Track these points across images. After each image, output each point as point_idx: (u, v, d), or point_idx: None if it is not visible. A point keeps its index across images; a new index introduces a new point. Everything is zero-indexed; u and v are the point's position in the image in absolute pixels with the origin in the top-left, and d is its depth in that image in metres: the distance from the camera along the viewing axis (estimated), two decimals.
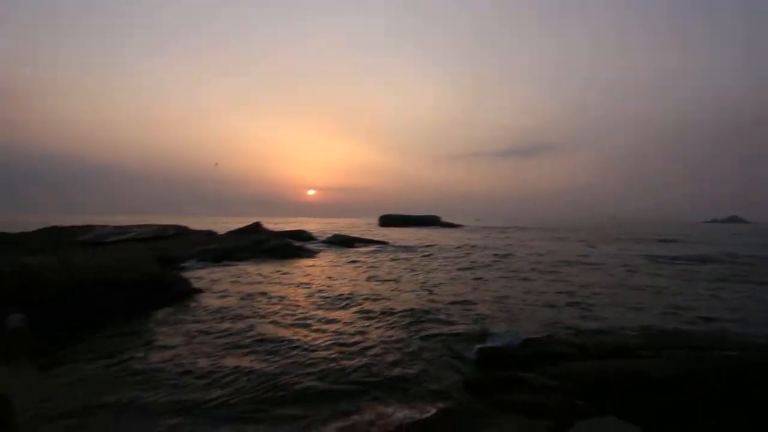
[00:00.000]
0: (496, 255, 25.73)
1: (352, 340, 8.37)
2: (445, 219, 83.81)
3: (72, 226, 27.59)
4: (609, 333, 8.08)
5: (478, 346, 7.58)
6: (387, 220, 78.43)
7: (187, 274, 15.64)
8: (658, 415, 4.58)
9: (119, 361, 7.34)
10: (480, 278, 16.40)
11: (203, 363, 7.14)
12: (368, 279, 16.45)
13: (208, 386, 6.16)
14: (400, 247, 31.04)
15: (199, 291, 13.23)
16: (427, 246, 32.60)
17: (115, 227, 26.63)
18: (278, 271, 18.79)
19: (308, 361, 7.20)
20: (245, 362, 7.15)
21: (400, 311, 10.77)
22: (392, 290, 13.97)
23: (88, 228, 26.85)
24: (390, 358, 7.36)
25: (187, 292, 12.73)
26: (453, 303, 11.76)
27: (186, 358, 7.37)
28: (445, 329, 9.03)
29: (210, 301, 12.15)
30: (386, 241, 34.61)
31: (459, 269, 19.32)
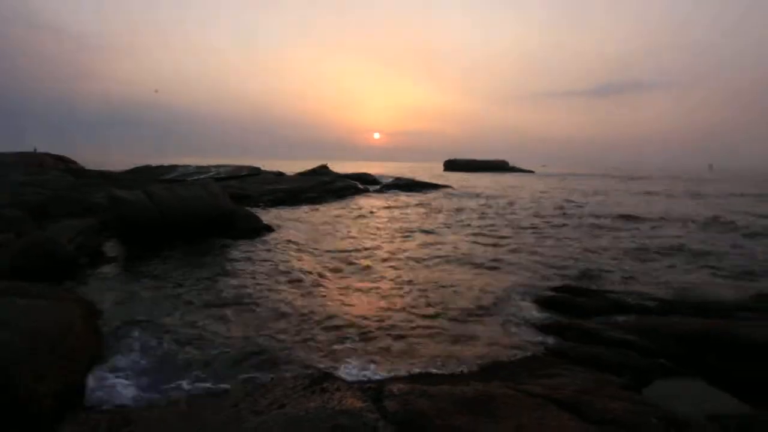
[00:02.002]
0: (567, 204, 24.16)
1: (410, 280, 8.38)
2: (514, 164, 80.00)
3: (159, 166, 30.07)
4: (700, 290, 7.29)
5: (548, 293, 7.23)
6: (452, 165, 76.42)
7: (257, 211, 16.53)
8: (758, 384, 4.06)
9: (194, 284, 8.08)
10: (550, 227, 15.53)
11: (268, 292, 7.61)
12: (430, 222, 16.30)
13: (268, 310, 6.55)
14: (464, 193, 30.23)
15: (269, 227, 13.90)
16: (494, 191, 31.47)
17: (196, 167, 28.58)
18: (343, 210, 19.25)
19: (379, 304, 7.35)
20: (299, 295, 7.48)
21: (460, 256, 10.58)
22: (453, 234, 13.73)
23: (173, 168, 29.11)
24: (451, 303, 7.29)
25: (258, 228, 13.45)
26: (516, 251, 11.29)
27: (252, 288, 7.85)
28: (511, 278, 8.71)
29: (278, 236, 12.79)
30: (450, 185, 33.87)
31: (528, 216, 18.45)
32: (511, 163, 79.78)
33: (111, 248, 10.73)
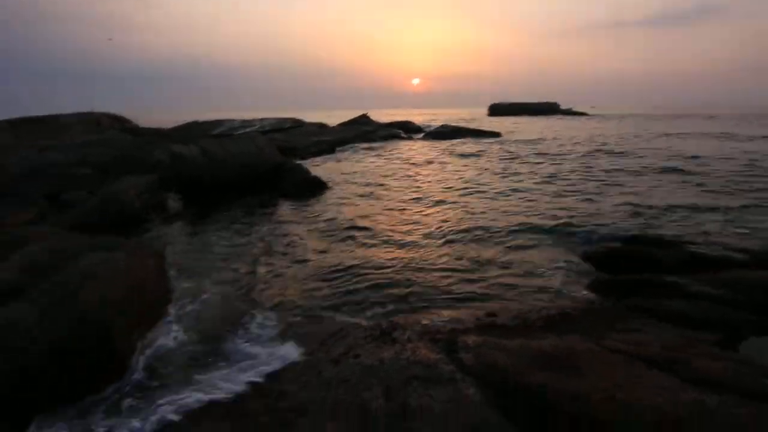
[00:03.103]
0: (628, 148, 22.49)
1: (465, 230, 8.22)
2: (565, 106, 75.02)
3: (205, 122, 30.75)
4: None
5: (619, 244, 6.86)
6: (498, 110, 72.78)
7: (303, 162, 16.67)
8: None
9: (250, 235, 8.42)
10: (613, 175, 14.58)
11: (318, 242, 7.75)
12: (480, 171, 15.78)
13: (324, 261, 6.67)
14: (511, 139, 28.81)
15: (317, 179, 13.99)
16: (544, 136, 29.80)
17: (241, 121, 28.97)
18: (388, 160, 19.02)
19: (438, 256, 7.31)
20: (354, 248, 7.54)
21: (518, 207, 10.21)
22: (505, 184, 13.23)
23: (219, 122, 29.68)
24: (515, 255, 7.11)
25: (306, 180, 13.58)
26: (577, 201, 10.74)
27: (306, 240, 8.02)
28: (577, 228, 8.32)
29: (327, 188, 12.93)
30: (497, 132, 32.34)
31: (586, 162, 17.40)
32: (562, 106, 74.82)
33: (172, 203, 11.27)
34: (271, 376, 3.63)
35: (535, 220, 8.87)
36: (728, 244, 6.51)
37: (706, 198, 10.34)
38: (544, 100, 75.50)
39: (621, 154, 19.62)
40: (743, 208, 9.30)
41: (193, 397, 3.38)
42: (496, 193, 11.91)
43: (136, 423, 3.17)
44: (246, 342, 4.39)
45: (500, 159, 19.08)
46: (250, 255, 7.33)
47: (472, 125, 36.73)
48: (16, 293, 4.02)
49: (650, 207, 9.46)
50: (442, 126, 34.22)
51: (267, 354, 4.07)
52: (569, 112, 71.32)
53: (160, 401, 3.37)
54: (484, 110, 77.31)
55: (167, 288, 5.61)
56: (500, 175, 14.76)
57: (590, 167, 15.80)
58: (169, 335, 4.52)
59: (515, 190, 12.11)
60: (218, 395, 3.39)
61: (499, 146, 24.43)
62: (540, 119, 58.66)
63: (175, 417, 3.15)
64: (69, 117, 27.37)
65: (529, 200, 10.81)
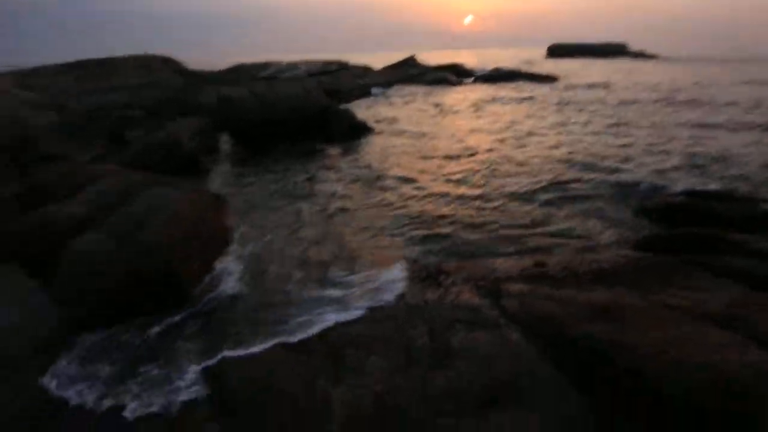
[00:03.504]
0: (700, 96, 20.31)
1: (514, 179, 7.97)
2: (634, 48, 68.01)
3: (253, 64, 30.78)
4: None
5: (677, 197, 6.43)
6: (557, 51, 67.21)
7: (348, 106, 16.52)
8: None
9: (295, 175, 8.68)
10: (681, 125, 13.35)
11: (363, 187, 7.82)
12: (536, 118, 14.96)
13: (369, 206, 6.75)
14: (570, 84, 26.63)
15: (363, 123, 13.85)
16: (607, 82, 27.38)
17: (288, 63, 28.80)
18: (434, 105, 18.41)
19: (481, 204, 7.20)
20: (398, 195, 7.53)
21: (573, 156, 9.70)
22: (552, 134, 12.50)
23: (266, 65, 29.64)
24: (567, 206, 6.88)
25: (353, 125, 13.50)
26: (639, 150, 10.02)
27: (350, 182, 8.12)
28: (633, 176, 7.85)
29: (373, 132, 12.85)
30: (554, 75, 29.99)
31: (653, 110, 15.99)
32: (631, 47, 67.80)
33: (222, 145, 11.67)
34: (321, 314, 3.83)
35: (587, 173, 8.43)
36: None
37: None
38: (611, 41, 68.80)
39: (693, 103, 17.81)
40: None
41: (248, 331, 3.66)
42: (547, 142, 11.33)
43: (190, 345, 3.50)
44: (301, 283, 4.56)
45: (554, 105, 17.88)
46: (299, 197, 7.57)
47: (529, 68, 34.32)
48: (88, 225, 4.42)
49: (719, 161, 8.69)
50: (495, 69, 32.31)
51: (319, 294, 4.26)
52: (639, 55, 64.73)
53: (217, 334, 3.68)
54: (543, 51, 71.70)
55: (225, 226, 5.93)
56: (553, 123, 13.94)
57: (655, 117, 14.53)
58: (229, 276, 4.80)
59: (568, 140, 11.46)
60: (278, 330, 3.63)
61: (554, 91, 22.81)
62: (605, 62, 53.79)
63: (232, 353, 3.41)
64: (123, 59, 28.28)
65: (583, 151, 10.21)
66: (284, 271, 4.85)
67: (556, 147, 10.73)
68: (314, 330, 3.46)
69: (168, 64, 29.04)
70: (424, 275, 4.24)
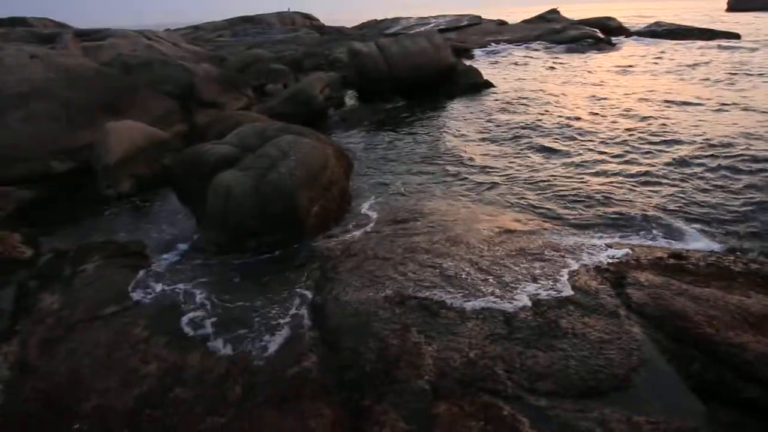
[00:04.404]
0: None
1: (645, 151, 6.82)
2: None
3: (384, 19, 30.91)
4: None
5: None
6: (742, 3, 54.21)
7: (476, 64, 15.67)
8: None
9: (419, 133, 8.54)
10: None
11: (488, 152, 7.45)
12: (697, 84, 12.45)
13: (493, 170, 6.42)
14: (758, 45, 20.90)
15: (487, 82, 13.08)
16: None
17: (417, 18, 28.24)
18: (577, 67, 16.44)
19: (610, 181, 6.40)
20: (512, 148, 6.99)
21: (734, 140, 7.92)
22: (720, 106, 10.21)
23: (396, 20, 29.52)
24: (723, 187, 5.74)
25: (478, 83, 12.85)
26: None
27: (472, 145, 7.78)
28: None
29: (495, 90, 12.11)
30: (735, 33, 24.04)
31: None
32: None
33: (350, 99, 12.11)
34: None
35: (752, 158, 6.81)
36: None
37: None
38: None
39: None
40: None
41: (357, 282, 3.85)
42: (710, 113, 9.39)
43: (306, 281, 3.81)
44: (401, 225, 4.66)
45: (728, 72, 14.41)
46: (421, 156, 7.58)
47: (703, 23, 28.17)
48: (232, 163, 5.02)
49: None
50: (656, 24, 27.41)
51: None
52: None
53: (329, 275, 3.94)
54: (722, 3, 58.46)
55: (343, 174, 6.25)
56: (723, 92, 11.44)
57: None
58: (352, 223, 5.11)
59: (742, 110, 9.34)
60: (385, 282, 3.77)
61: (733, 53, 18.26)
62: None
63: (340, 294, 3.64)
64: (270, 16, 30.74)
65: (758, 128, 8.23)
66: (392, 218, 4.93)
67: (720, 123, 8.86)
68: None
69: (308, 20, 30.77)
70: (537, 245, 3.96)
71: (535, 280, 3.41)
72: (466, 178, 6.48)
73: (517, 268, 3.62)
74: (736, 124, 8.45)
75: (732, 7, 54.52)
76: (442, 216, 4.94)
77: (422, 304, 3.13)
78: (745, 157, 6.62)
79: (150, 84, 9.19)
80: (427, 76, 11.94)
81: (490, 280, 3.45)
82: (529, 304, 3.09)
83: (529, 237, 4.27)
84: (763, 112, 9.18)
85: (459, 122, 9.66)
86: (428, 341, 2.78)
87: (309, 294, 3.55)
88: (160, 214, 5.74)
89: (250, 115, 8.51)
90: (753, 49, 18.60)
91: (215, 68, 11.69)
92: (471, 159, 7.27)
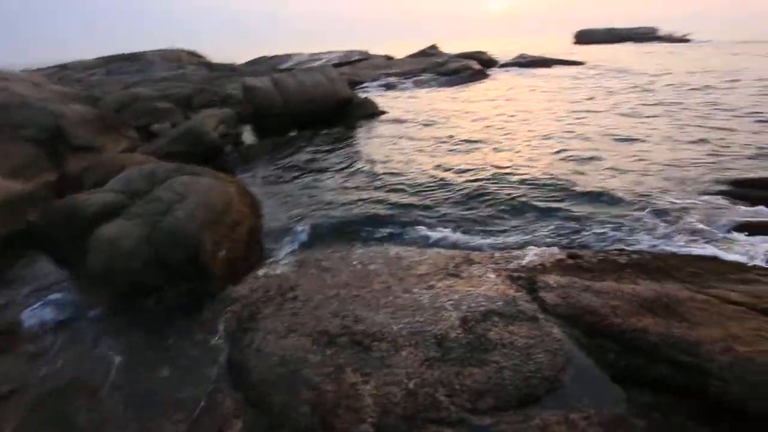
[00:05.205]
0: (735, 80, 19.12)
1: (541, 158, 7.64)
2: (665, 32, 65.06)
3: (275, 56, 30.85)
4: None
5: (734, 187, 6.02)
6: (585, 37, 65.04)
7: (371, 95, 16.30)
8: None
9: (319, 166, 8.48)
10: (722, 110, 12.59)
11: (384, 170, 7.66)
12: (563, 104, 14.41)
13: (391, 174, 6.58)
14: (604, 69, 25.57)
15: (384, 111, 13.64)
16: (639, 67, 26.22)
17: (309, 55, 28.70)
18: (462, 93, 17.98)
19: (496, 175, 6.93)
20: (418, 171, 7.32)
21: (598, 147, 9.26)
22: (591, 122, 11.97)
23: (288, 57, 29.65)
24: (603, 185, 6.55)
25: (376, 114, 13.32)
26: (687, 141, 9.47)
27: (370, 167, 7.95)
28: (674, 171, 7.40)
29: (394, 119, 12.65)
30: (583, 61, 28.99)
31: (689, 94, 15.15)
32: (661, 31, 64.94)
33: (247, 136, 11.66)
34: None
35: (609, 178, 8.01)
36: None
37: None
38: (641, 26, 66.08)
39: (709, 89, 16.80)
40: None
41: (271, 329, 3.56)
42: (565, 129, 10.86)
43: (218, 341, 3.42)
44: (321, 261, 4.49)
45: (582, 90, 17.17)
46: (326, 189, 7.46)
47: (557, 55, 33.15)
48: (118, 211, 4.41)
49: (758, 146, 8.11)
50: (520, 56, 31.43)
51: None
52: (670, 39, 61.94)
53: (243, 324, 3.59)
54: (569, 39, 69.38)
55: (248, 212, 5.88)
56: (579, 110, 13.37)
57: (674, 102, 13.78)
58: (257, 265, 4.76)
59: (594, 128, 10.96)
60: (301, 321, 3.53)
61: (582, 77, 21.95)
62: (635, 46, 51.67)
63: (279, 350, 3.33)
64: (151, 53, 28.82)
65: (605, 138, 9.72)
66: (313, 252, 4.73)
67: (575, 137, 10.27)
68: (335, 315, 3.34)
69: (194, 57, 29.43)
70: (452, 265, 4.05)
71: (458, 297, 3.46)
72: (375, 203, 6.52)
73: (440, 288, 3.65)
74: (620, 126, 9.82)
75: (577, 41, 65.22)
76: (360, 246, 4.86)
77: (353, 339, 2.96)
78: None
79: (5, 129, 7.88)
80: (324, 108, 12.05)
81: (417, 303, 3.41)
82: (457, 322, 3.09)
83: (446, 256, 4.37)
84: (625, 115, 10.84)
85: (359, 150, 9.81)
86: (365, 379, 2.61)
87: (225, 349, 3.17)
88: (25, 280, 4.80)
89: (135, 157, 7.71)
90: (603, 71, 22.87)
91: (88, 109, 10.48)
92: (376, 184, 7.37)
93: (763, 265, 3.85)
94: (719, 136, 9.08)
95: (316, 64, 25.19)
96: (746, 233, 4.79)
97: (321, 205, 6.63)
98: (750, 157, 7.52)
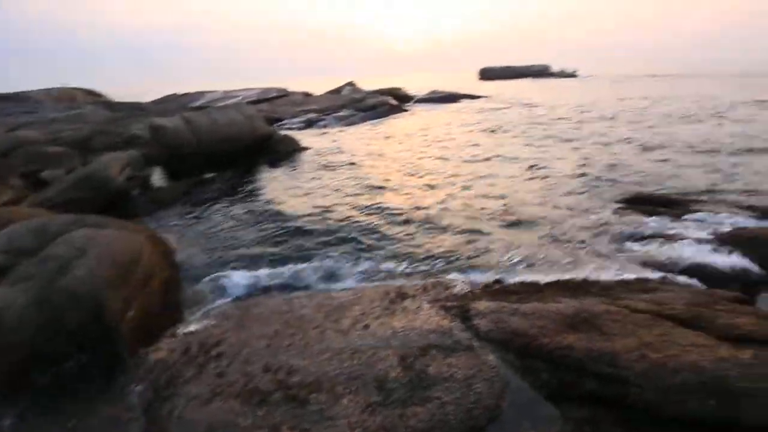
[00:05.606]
0: (614, 110, 22.32)
1: (452, 190, 8.09)
2: (556, 69, 74.14)
3: (186, 94, 29.73)
4: None
5: (621, 204, 6.80)
6: (488, 74, 71.87)
7: (291, 133, 16.25)
8: None
9: (239, 208, 8.22)
10: (602, 136, 14.45)
11: (309, 209, 7.62)
12: (476, 135, 15.56)
13: (318, 231, 6.53)
14: (504, 101, 28.50)
15: (305, 148, 13.64)
16: (532, 100, 29.47)
17: (224, 92, 28.06)
18: (381, 127, 18.67)
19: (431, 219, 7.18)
20: (344, 208, 7.38)
21: (511, 170, 10.09)
22: (500, 146, 13.05)
23: (200, 94, 28.71)
24: (510, 212, 7.04)
25: (294, 149, 13.27)
26: (573, 162, 10.63)
27: (296, 211, 7.83)
28: (566, 188, 8.23)
29: (315, 155, 12.69)
30: (488, 95, 32.00)
31: (573, 123, 17.21)
32: (554, 68, 73.97)
33: (157, 179, 10.89)
34: None
35: (526, 179, 8.76)
36: (737, 202, 6.47)
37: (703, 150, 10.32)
38: (536, 63, 74.72)
39: (610, 118, 19.45)
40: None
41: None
42: (481, 154, 11.74)
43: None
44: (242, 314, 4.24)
45: (490, 120, 18.81)
46: (247, 232, 7.13)
47: (464, 90, 36.06)
48: (1, 274, 3.81)
49: (642, 170, 9.41)
50: (432, 92, 33.62)
51: None
52: (561, 75, 70.69)
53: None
54: (475, 74, 75.99)
55: (162, 263, 5.41)
56: (488, 136, 14.55)
57: (576, 124, 15.65)
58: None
59: (503, 149, 11.96)
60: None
61: (488, 110, 24.12)
62: (531, 81, 58.06)
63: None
64: (37, 93, 26.23)
65: (511, 159, 10.66)
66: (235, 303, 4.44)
67: (496, 162, 11.12)
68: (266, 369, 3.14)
69: (91, 96, 27.30)
70: (386, 301, 4.04)
71: (395, 334, 3.43)
72: (299, 243, 6.36)
73: (376, 326, 3.60)
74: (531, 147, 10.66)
75: (482, 77, 71.86)
76: (288, 290, 4.69)
77: (288, 394, 2.78)
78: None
79: None
80: (241, 146, 11.72)
81: (354, 345, 3.33)
82: (396, 360, 3.06)
83: (380, 292, 4.35)
84: (525, 153, 11.87)
85: (280, 189, 9.60)
86: None
87: (141, 424, 2.80)
88: None
89: (21, 210, 6.79)
90: (501, 106, 25.44)
91: None
92: (298, 224, 7.22)
93: (661, 273, 4.35)
94: (610, 161, 10.34)
95: (232, 101, 24.67)
96: (642, 243, 5.41)
97: (242, 249, 6.31)
98: (636, 181, 8.62)
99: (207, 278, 5.35)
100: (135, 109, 23.34)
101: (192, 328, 4.09)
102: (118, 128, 15.06)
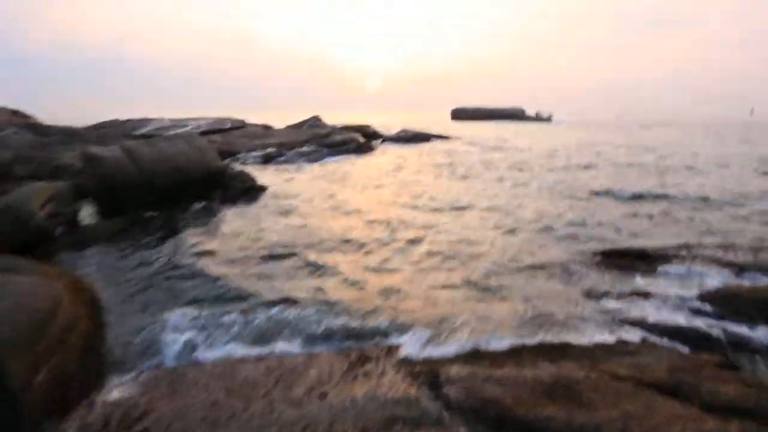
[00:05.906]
0: (589, 158, 23.77)
1: (420, 240, 8.19)
2: (531, 112, 78.57)
3: (128, 120, 29.25)
4: None
5: (596, 258, 7.07)
6: (460, 114, 75.22)
7: (246, 168, 16.14)
8: None
9: (182, 251, 7.91)
10: (576, 187, 15.24)
11: (257, 258, 7.47)
12: (445, 179, 16.01)
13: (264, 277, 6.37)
14: (475, 143, 29.73)
15: (262, 187, 13.52)
16: (505, 144, 30.96)
17: (171, 120, 27.82)
18: (346, 166, 18.87)
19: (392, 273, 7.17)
20: (300, 243, 7.28)
21: (481, 217, 10.37)
22: (464, 191, 13.46)
23: (145, 121, 28.32)
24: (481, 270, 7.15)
25: (251, 188, 13.13)
26: (550, 216, 11.08)
27: (248, 260, 7.63)
28: (537, 241, 8.51)
29: (274, 198, 12.57)
30: (459, 137, 33.37)
31: (551, 170, 18.11)
32: (529, 111, 78.32)
33: (88, 215, 10.43)
34: None
35: (495, 230, 9.01)
36: (714, 258, 6.86)
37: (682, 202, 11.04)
38: (510, 106, 78.93)
39: (586, 167, 20.62)
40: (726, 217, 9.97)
41: None
42: (451, 202, 12.06)
43: None
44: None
45: (461, 164, 19.49)
46: (187, 280, 6.84)
47: (434, 130, 37.47)
48: None
49: (613, 223, 9.93)
50: (403, 130, 34.66)
51: None
52: (536, 119, 74.79)
53: None
54: (447, 114, 79.36)
55: (84, 314, 5.08)
56: (456, 176, 15.02)
57: (553, 171, 16.47)
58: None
59: (468, 194, 12.34)
60: None
61: (458, 152, 25.06)
62: (504, 124, 61.11)
63: None
64: None
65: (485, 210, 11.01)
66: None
67: (465, 208, 11.43)
68: None
69: (16, 117, 26.34)
70: (345, 366, 3.92)
71: (355, 404, 3.31)
72: (249, 295, 6.13)
73: (334, 395, 3.46)
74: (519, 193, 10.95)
75: (453, 117, 75.13)
76: (231, 350, 4.48)
77: None
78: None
79: None
80: (189, 181, 11.50)
81: (309, 418, 3.17)
82: None
83: (339, 355, 4.23)
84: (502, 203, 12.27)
85: (227, 231, 9.35)
86: None
87: None
88: None
89: None
90: (473, 148, 26.32)
91: None
92: (248, 272, 7.02)
93: (641, 333, 4.48)
94: (580, 213, 10.83)
95: (181, 130, 24.45)
96: (620, 302, 5.58)
97: (181, 299, 6.01)
98: (611, 234, 9.05)
99: (137, 333, 5.04)
100: (68, 134, 22.64)
101: (115, 395, 3.79)
102: (45, 155, 14.51)
